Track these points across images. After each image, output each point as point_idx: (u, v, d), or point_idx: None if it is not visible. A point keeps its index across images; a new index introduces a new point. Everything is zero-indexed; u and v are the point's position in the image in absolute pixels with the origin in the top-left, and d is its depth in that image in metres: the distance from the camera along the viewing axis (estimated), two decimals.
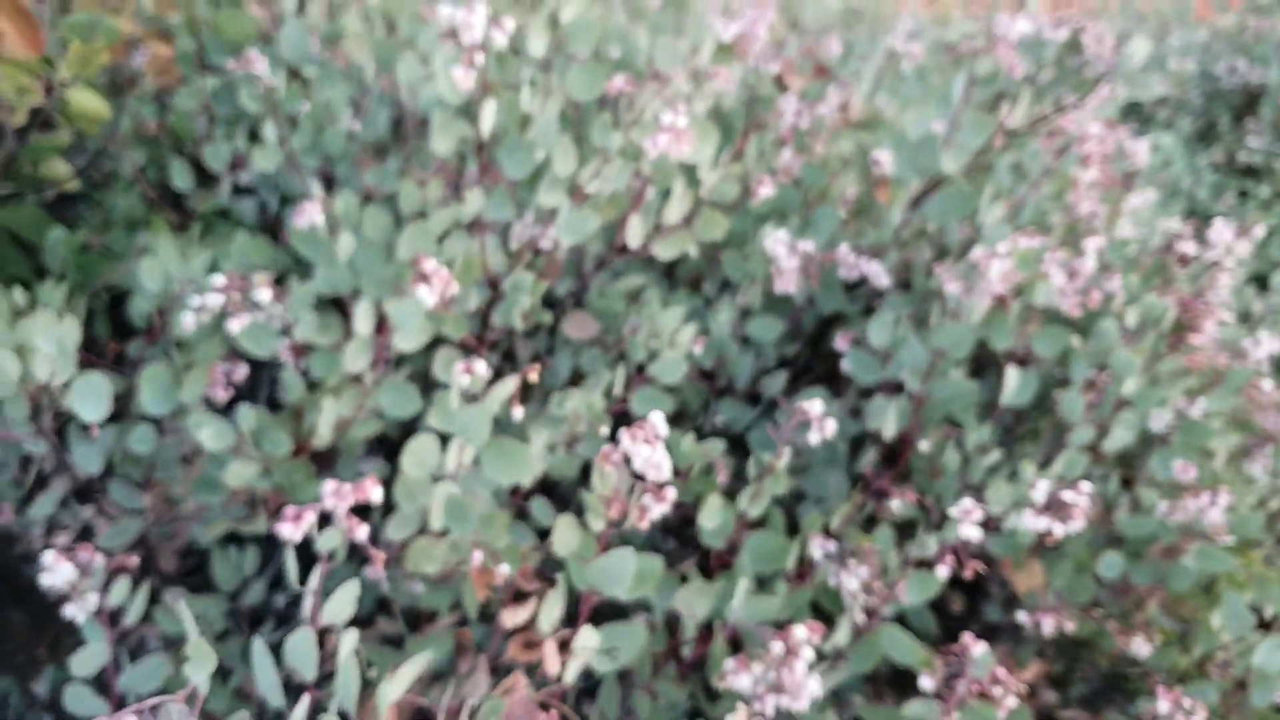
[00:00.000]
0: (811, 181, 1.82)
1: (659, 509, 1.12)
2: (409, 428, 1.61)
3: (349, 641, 0.94)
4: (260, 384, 1.84)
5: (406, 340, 1.29)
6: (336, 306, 1.49)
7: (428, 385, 1.54)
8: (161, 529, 1.58)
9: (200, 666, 0.83)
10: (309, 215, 1.31)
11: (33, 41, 1.30)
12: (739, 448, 1.77)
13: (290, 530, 0.97)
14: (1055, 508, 1.39)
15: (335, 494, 1.00)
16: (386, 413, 1.32)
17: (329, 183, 1.75)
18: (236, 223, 2.01)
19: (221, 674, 1.54)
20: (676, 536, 1.78)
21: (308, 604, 1.00)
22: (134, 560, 1.24)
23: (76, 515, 1.70)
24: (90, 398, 1.20)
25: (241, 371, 1.49)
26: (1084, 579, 1.60)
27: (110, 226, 2.02)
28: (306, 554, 1.79)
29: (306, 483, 1.32)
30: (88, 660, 1.21)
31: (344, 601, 0.98)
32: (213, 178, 2.01)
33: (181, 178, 1.71)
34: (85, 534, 1.93)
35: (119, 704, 1.26)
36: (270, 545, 1.80)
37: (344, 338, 1.39)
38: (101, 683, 1.27)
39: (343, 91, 1.60)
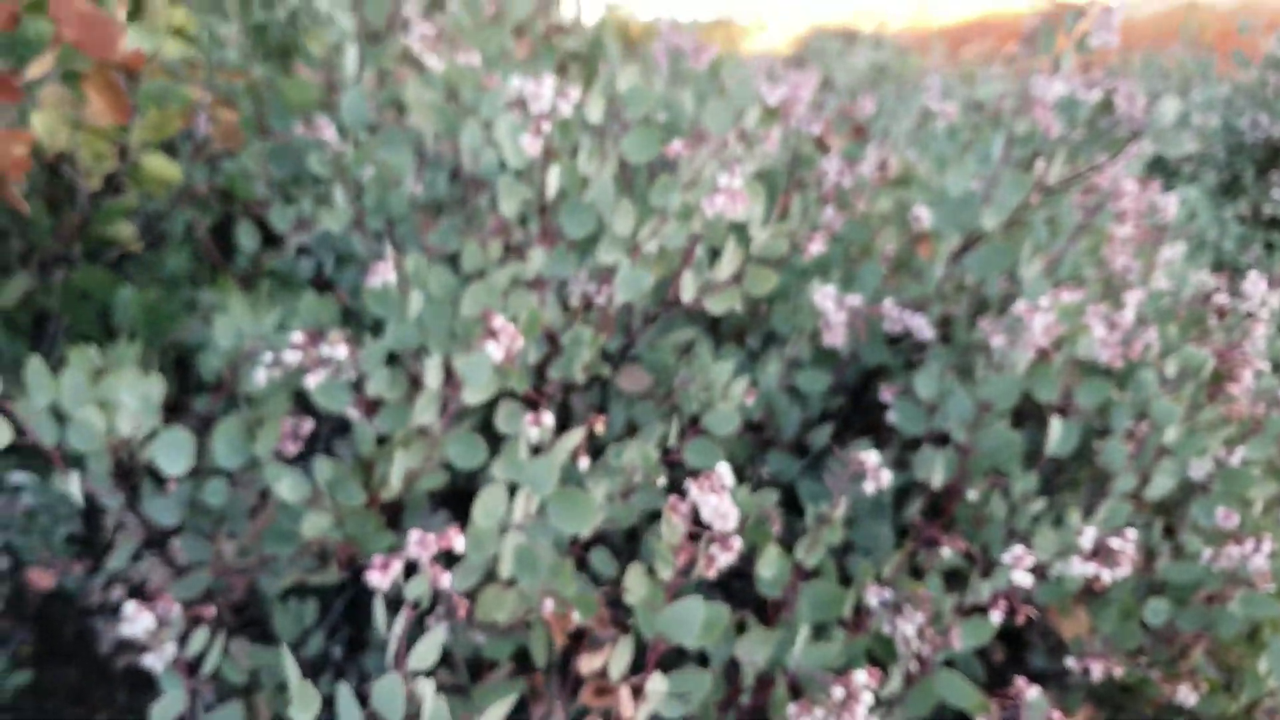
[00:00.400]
0: (854, 238, 1.88)
1: (726, 558, 1.15)
2: (469, 482, 1.66)
3: (431, 686, 0.98)
4: (318, 438, 1.89)
5: (474, 394, 1.34)
6: (394, 362, 1.54)
7: (487, 438, 1.58)
8: (218, 582, 1.62)
9: (304, 708, 0.87)
10: (381, 274, 1.37)
11: (120, 112, 1.37)
12: (786, 499, 1.80)
13: (378, 578, 1.02)
14: (1102, 554, 1.43)
15: (419, 543, 1.05)
16: (454, 464, 1.36)
17: (389, 243, 1.81)
18: (285, 281, 2.08)
19: None
20: (723, 590, 1.81)
21: (391, 650, 1.04)
22: (211, 611, 1.28)
23: (135, 570, 1.74)
24: (173, 451, 1.25)
25: (308, 426, 1.54)
26: (1129, 625, 1.62)
27: (158, 284, 2.09)
28: (359, 604, 1.83)
29: (377, 534, 1.36)
30: (166, 708, 1.25)
31: (429, 648, 1.02)
32: (268, 239, 2.08)
33: (248, 238, 1.78)
34: (138, 590, 1.97)
35: None
36: (326, 598, 1.84)
37: (408, 392, 1.44)
38: None
39: (406, 156, 1.66)
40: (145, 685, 2.09)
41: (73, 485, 1.25)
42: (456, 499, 1.74)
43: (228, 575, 1.48)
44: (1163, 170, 3.57)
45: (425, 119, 1.68)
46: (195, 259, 2.32)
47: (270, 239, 2.21)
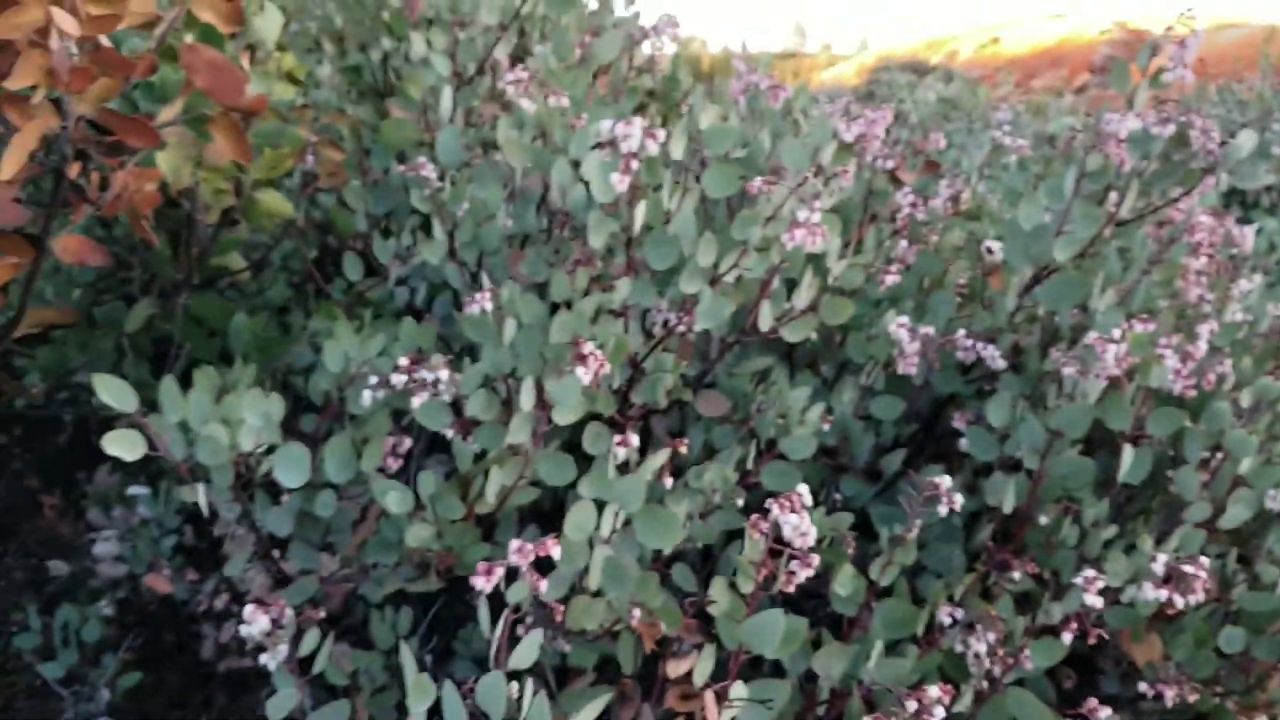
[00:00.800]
0: (926, 269, 1.93)
1: (805, 574, 1.22)
2: (552, 500, 1.74)
3: (530, 685, 1.06)
4: (409, 456, 1.99)
5: (564, 415, 1.42)
6: (488, 385, 1.63)
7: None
8: (318, 590, 1.72)
9: (420, 698, 0.95)
10: (479, 303, 1.47)
11: (242, 152, 1.49)
12: (858, 523, 1.85)
13: (483, 582, 1.10)
14: (1175, 580, 1.46)
15: (519, 552, 1.13)
16: (545, 481, 1.44)
17: (478, 273, 1.91)
18: (379, 309, 2.19)
19: None
20: (796, 609, 1.86)
21: (493, 650, 1.12)
22: (319, 614, 1.38)
23: (238, 578, 1.85)
24: (292, 465, 1.36)
25: (406, 444, 1.64)
26: (1204, 653, 1.63)
27: (259, 311, 2.22)
28: (448, 615, 1.91)
29: (474, 545, 1.45)
30: (280, 705, 1.35)
31: (529, 650, 1.09)
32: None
33: (353, 270, 1.89)
34: (239, 597, 2.09)
35: None
36: (417, 608, 1.93)
37: (501, 413, 1.53)
38: None
39: (497, 192, 1.77)
40: (244, 688, 2.19)
41: (200, 497, 1.36)
42: (540, 516, 1.83)
43: (331, 584, 1.58)
44: (1240, 201, 3.54)
45: (515, 157, 1.78)
46: (289, 287, 2.46)
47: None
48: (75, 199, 1.37)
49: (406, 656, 0.99)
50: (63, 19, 1.11)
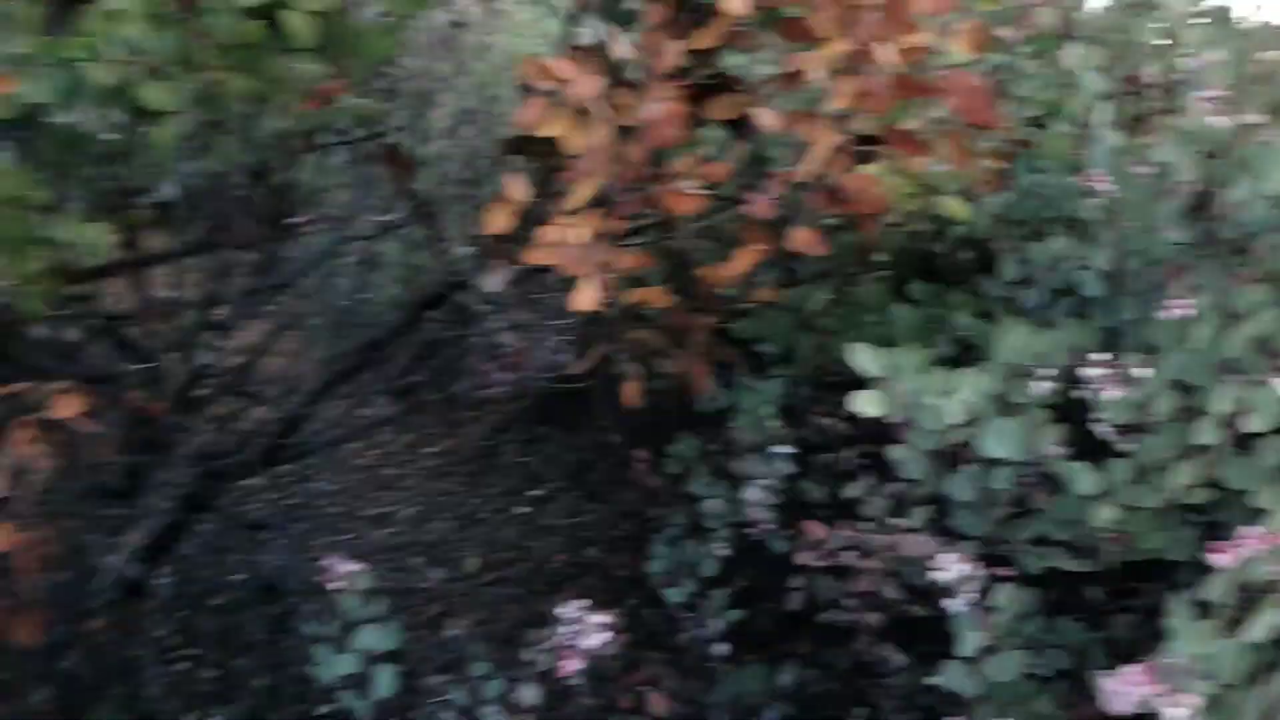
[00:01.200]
0: None
1: None
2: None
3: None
4: None
5: (1258, 423, 1.49)
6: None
7: None
8: None
9: (1189, 643, 1.10)
10: (1177, 309, 1.58)
11: (967, 165, 1.72)
12: None
13: (1222, 559, 1.22)
14: None
15: (1260, 539, 1.23)
16: (1228, 483, 1.52)
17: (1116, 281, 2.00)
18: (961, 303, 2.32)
19: None
20: None
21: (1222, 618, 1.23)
22: (1008, 569, 1.58)
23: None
24: (1003, 437, 1.56)
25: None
26: None
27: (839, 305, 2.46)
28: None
29: (1153, 532, 1.57)
30: (968, 644, 1.56)
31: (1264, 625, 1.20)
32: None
33: (1010, 270, 2.06)
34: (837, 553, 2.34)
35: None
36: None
37: (1177, 413, 1.62)
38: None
39: (1167, 205, 1.85)
40: (828, 641, 2.44)
41: (916, 457, 1.61)
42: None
43: (987, 549, 1.76)
44: None
45: (1185, 171, 1.85)
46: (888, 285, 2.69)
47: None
48: (827, 199, 1.67)
49: (1179, 606, 1.14)
50: (886, 53, 1.39)
